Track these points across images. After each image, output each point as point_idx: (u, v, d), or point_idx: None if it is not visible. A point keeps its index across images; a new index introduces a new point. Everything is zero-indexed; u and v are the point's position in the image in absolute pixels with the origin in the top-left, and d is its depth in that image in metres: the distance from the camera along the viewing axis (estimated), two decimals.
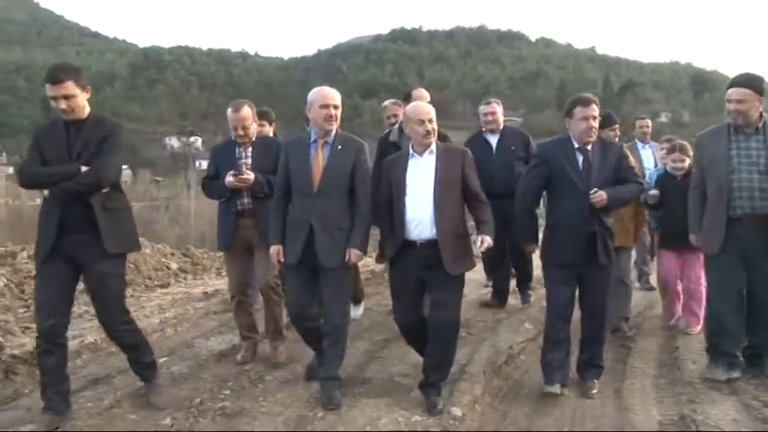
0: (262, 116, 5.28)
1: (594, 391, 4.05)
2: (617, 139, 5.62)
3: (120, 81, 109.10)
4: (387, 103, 5.85)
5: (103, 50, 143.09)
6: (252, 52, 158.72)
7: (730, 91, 4.11)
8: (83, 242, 3.50)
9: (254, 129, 4.60)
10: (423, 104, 4.03)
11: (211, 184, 4.66)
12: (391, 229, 3.84)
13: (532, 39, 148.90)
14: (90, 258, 3.52)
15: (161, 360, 4.45)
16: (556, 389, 3.99)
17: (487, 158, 5.68)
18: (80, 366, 4.57)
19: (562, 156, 3.99)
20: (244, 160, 4.52)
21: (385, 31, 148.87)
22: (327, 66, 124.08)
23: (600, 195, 3.84)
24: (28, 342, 5.22)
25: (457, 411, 3.69)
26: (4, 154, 73.04)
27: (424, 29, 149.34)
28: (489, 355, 4.70)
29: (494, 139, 5.92)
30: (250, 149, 4.56)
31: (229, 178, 4.34)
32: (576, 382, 4.15)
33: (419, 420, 3.54)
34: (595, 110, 3.93)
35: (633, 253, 6.13)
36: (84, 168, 3.45)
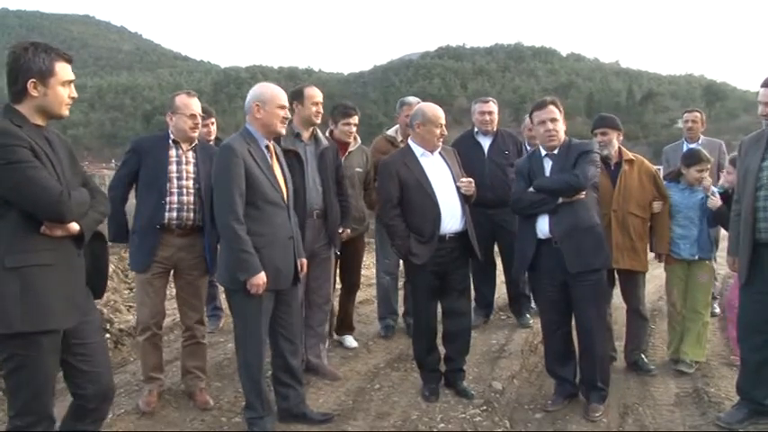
0: (205, 114, 4.03)
1: (598, 414, 3.20)
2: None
3: (204, 96, 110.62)
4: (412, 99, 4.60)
5: (192, 71, 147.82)
6: (316, 69, 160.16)
7: (761, 91, 3.05)
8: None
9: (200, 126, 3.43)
10: (439, 108, 3.49)
11: (119, 211, 3.27)
12: (409, 227, 3.37)
13: (564, 54, 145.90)
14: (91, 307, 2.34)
15: None
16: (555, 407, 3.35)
17: (478, 162, 4.49)
18: (172, 341, 4.68)
19: (528, 169, 3.38)
20: (184, 166, 3.30)
21: (432, 48, 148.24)
22: (382, 79, 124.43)
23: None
24: (131, 318, 5.41)
25: (498, 385, 3.66)
26: (113, 161, 76.28)
27: (467, 46, 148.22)
28: (526, 336, 4.63)
29: (486, 142, 4.72)
30: (191, 154, 3.34)
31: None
32: (582, 402, 3.36)
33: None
34: (552, 112, 3.24)
35: None
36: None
